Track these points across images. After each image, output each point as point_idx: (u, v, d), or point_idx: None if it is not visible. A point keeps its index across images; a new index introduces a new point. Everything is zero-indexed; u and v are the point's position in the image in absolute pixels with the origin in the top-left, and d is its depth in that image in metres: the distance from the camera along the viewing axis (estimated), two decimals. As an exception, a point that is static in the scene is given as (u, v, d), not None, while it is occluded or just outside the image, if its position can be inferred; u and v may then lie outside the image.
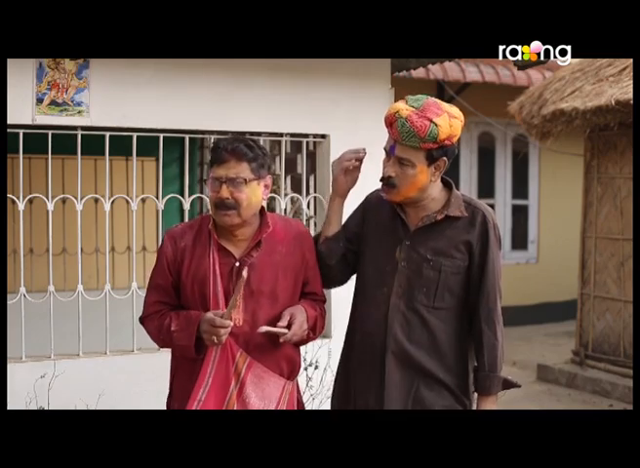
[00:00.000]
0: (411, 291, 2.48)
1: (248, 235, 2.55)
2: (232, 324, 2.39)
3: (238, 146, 2.47)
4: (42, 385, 3.51)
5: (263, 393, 2.50)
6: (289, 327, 2.46)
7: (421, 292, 2.47)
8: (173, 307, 2.57)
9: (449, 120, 2.39)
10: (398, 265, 2.50)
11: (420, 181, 2.45)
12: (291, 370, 2.60)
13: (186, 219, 3.98)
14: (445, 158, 2.45)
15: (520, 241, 9.99)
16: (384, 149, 2.50)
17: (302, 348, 3.97)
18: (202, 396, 2.44)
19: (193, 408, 2.42)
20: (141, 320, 2.64)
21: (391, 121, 2.42)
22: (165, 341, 2.55)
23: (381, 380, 2.48)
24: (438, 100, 2.45)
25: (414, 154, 2.41)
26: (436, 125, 2.36)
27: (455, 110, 2.44)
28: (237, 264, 2.50)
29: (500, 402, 2.63)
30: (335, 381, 2.71)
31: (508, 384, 2.54)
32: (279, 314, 2.50)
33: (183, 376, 2.54)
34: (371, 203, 2.67)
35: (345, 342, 2.67)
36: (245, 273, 2.37)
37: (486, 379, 2.49)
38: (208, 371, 2.45)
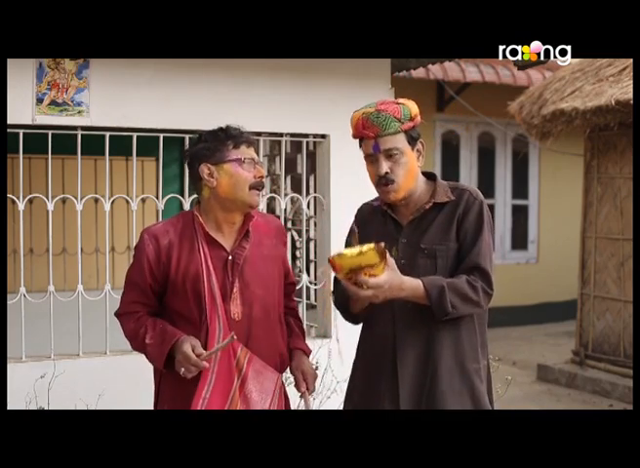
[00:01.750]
0: None
1: (238, 225, 2.57)
2: (207, 366, 2.39)
3: (247, 132, 2.63)
4: (42, 385, 3.50)
5: (262, 387, 2.51)
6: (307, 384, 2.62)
7: None
8: (149, 309, 2.55)
9: (408, 101, 2.49)
10: (397, 264, 2.49)
11: (413, 168, 2.48)
12: (283, 364, 2.63)
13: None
14: (421, 140, 2.50)
15: (520, 241, 10.00)
16: (367, 155, 2.48)
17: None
18: (206, 394, 2.43)
19: (199, 406, 2.42)
20: (117, 315, 2.61)
21: (363, 122, 2.44)
22: (139, 349, 2.55)
23: (395, 381, 2.46)
24: None
25: (397, 141, 2.44)
26: (403, 104, 2.45)
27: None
28: (230, 258, 2.51)
29: (501, 402, 2.63)
30: (348, 387, 2.67)
31: (441, 301, 2.33)
32: (272, 304, 2.58)
33: (173, 377, 2.50)
34: (361, 215, 2.67)
35: (357, 350, 2.65)
36: (234, 336, 2.40)
37: (434, 279, 2.36)
38: (211, 369, 2.44)
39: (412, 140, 2.47)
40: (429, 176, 2.57)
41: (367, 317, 2.59)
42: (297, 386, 2.63)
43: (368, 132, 2.45)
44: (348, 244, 2.66)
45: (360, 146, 2.54)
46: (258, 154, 2.67)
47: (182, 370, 2.37)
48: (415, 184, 2.50)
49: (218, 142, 2.53)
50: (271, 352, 2.55)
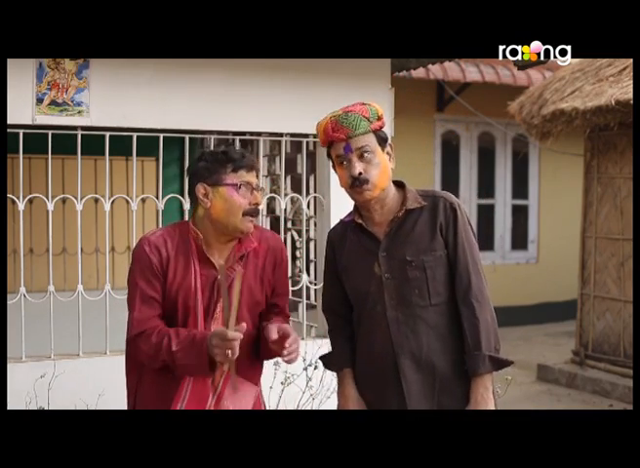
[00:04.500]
0: (403, 298, 2.45)
1: (232, 245, 2.53)
2: (240, 336, 2.31)
3: (253, 156, 2.55)
4: (42, 385, 3.50)
5: (240, 403, 2.47)
6: (283, 338, 2.42)
7: (415, 295, 2.44)
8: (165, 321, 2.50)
9: (369, 102, 2.49)
10: (382, 279, 2.47)
11: (386, 169, 2.46)
12: (260, 377, 2.63)
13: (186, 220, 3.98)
14: (390, 142, 2.49)
15: (520, 241, 10.00)
16: (337, 157, 2.45)
17: (302, 348, 3.98)
18: (181, 407, 2.41)
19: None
20: (132, 338, 2.46)
21: (332, 125, 2.42)
22: (164, 362, 2.43)
23: (402, 395, 2.45)
24: None
25: (368, 140, 2.43)
26: (369, 105, 2.46)
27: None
28: (219, 277, 2.43)
29: (501, 402, 2.62)
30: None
31: (498, 362, 2.42)
32: (253, 325, 2.52)
33: (149, 391, 2.49)
34: (333, 238, 2.63)
35: (359, 367, 2.59)
36: (237, 283, 2.32)
37: (471, 359, 2.40)
38: (185, 386, 2.42)
39: (381, 141, 2.45)
40: (398, 185, 2.55)
41: (360, 339, 2.57)
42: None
43: (338, 134, 2.42)
44: (327, 259, 2.64)
45: (328, 154, 2.52)
46: (262, 174, 2.61)
47: (228, 352, 2.28)
48: (388, 185, 2.48)
49: (217, 164, 2.47)
50: (249, 368, 2.53)
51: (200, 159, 2.53)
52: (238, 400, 2.47)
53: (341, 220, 2.64)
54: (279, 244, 2.66)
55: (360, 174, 2.42)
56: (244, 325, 2.33)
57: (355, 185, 2.43)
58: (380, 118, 2.45)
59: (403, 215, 2.47)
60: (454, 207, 2.48)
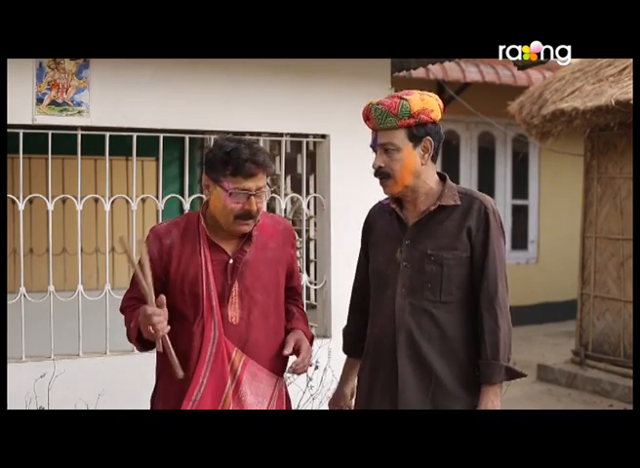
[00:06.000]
0: (415, 289, 2.45)
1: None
2: (161, 311, 2.31)
3: (264, 159, 2.44)
4: (42, 385, 3.51)
5: (258, 390, 2.50)
6: (297, 353, 2.52)
7: (427, 289, 2.45)
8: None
9: (420, 96, 2.44)
10: (400, 266, 2.48)
11: (410, 164, 2.43)
12: (283, 367, 2.61)
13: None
14: (429, 138, 2.43)
15: (520, 241, 9.99)
16: (370, 147, 2.50)
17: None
18: (197, 396, 2.42)
19: (187, 408, 2.41)
20: (120, 311, 2.63)
21: (367, 113, 2.46)
22: (131, 338, 2.51)
23: (396, 383, 2.46)
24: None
25: (394, 136, 2.42)
26: (406, 100, 2.40)
27: (429, 93, 2.49)
28: (231, 261, 2.49)
29: (501, 402, 2.62)
30: (357, 387, 2.68)
31: (513, 373, 2.45)
32: (273, 309, 2.55)
33: (169, 376, 2.49)
34: (371, 215, 2.67)
35: (365, 349, 2.65)
36: (144, 254, 2.34)
37: (487, 367, 2.41)
38: (203, 372, 2.44)
39: (414, 138, 2.42)
40: (440, 178, 2.54)
41: (370, 322, 2.60)
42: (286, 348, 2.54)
43: (369, 123, 2.47)
44: (362, 236, 2.69)
45: None
46: (268, 175, 2.51)
47: (149, 328, 2.30)
48: (414, 181, 2.46)
49: (219, 162, 2.43)
50: (270, 356, 2.54)
51: (214, 147, 2.50)
52: (255, 386, 2.50)
53: (380, 202, 2.67)
54: (289, 225, 2.73)
55: (380, 167, 2.45)
56: (162, 297, 2.35)
57: (377, 177, 2.48)
58: (413, 115, 2.39)
59: (435, 210, 2.47)
60: (487, 212, 2.46)
